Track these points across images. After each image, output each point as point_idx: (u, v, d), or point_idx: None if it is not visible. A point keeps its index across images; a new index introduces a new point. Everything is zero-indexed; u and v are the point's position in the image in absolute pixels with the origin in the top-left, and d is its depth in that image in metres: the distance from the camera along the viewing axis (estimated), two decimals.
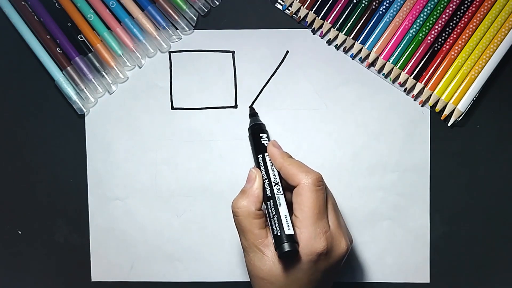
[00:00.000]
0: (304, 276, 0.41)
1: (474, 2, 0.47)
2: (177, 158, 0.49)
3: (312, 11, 0.48)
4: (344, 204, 0.49)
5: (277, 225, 0.41)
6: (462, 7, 0.47)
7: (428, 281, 0.50)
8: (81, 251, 0.50)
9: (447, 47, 0.48)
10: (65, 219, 0.50)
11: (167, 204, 0.50)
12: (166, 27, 0.48)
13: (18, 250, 0.51)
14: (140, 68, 0.49)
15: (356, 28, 0.48)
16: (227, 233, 0.50)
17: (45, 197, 0.50)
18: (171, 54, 0.49)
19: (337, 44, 0.49)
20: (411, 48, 0.48)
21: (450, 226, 0.49)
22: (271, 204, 0.42)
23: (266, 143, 0.45)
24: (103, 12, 0.48)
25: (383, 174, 0.49)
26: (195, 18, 0.49)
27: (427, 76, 0.48)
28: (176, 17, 0.48)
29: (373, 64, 0.49)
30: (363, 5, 0.48)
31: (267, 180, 0.43)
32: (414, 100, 0.49)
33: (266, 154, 0.44)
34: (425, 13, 0.47)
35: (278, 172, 0.43)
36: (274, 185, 0.43)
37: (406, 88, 0.48)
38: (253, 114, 0.48)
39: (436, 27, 0.47)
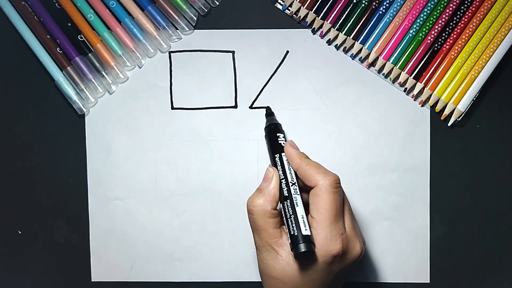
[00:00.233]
0: (317, 277, 0.41)
1: (474, 2, 0.47)
2: (177, 158, 0.49)
3: (312, 11, 0.48)
4: None
5: (294, 225, 0.41)
6: (462, 7, 0.47)
7: (428, 281, 0.50)
8: (81, 251, 0.50)
9: (447, 47, 0.48)
10: (65, 219, 0.50)
11: (167, 204, 0.50)
12: (166, 27, 0.48)
13: (18, 250, 0.51)
14: (140, 68, 0.49)
15: (356, 28, 0.48)
16: (227, 233, 0.50)
17: (45, 197, 0.50)
18: (171, 54, 0.49)
19: (337, 44, 0.49)
20: (411, 48, 0.48)
21: (450, 226, 0.49)
22: (288, 204, 0.42)
23: (283, 143, 0.45)
24: (103, 12, 0.48)
25: (383, 174, 0.49)
26: (195, 18, 0.49)
27: (427, 76, 0.48)
28: (176, 17, 0.48)
29: (373, 64, 0.49)
30: (363, 5, 0.48)
31: (284, 179, 0.43)
32: (414, 100, 0.49)
33: (283, 154, 0.44)
34: (425, 13, 0.47)
35: (295, 172, 0.43)
36: (291, 185, 0.43)
37: (406, 88, 0.48)
38: (269, 113, 0.48)
39: (436, 27, 0.47)
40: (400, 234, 0.50)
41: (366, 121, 0.49)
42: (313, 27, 0.48)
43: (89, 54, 0.48)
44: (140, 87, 0.49)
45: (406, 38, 0.48)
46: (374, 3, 0.48)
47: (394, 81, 0.49)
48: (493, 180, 0.49)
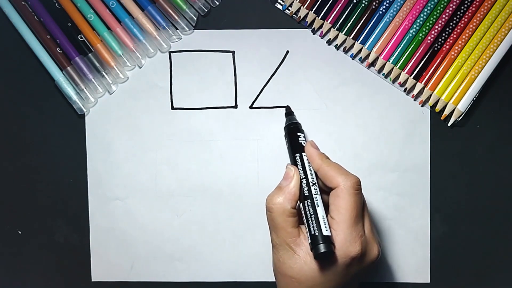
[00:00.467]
0: (334, 279, 0.41)
1: (474, 2, 0.47)
2: (177, 158, 0.49)
3: (312, 11, 0.48)
4: None
5: (314, 225, 0.40)
6: (462, 7, 0.47)
7: (428, 281, 0.50)
8: (81, 251, 0.50)
9: (447, 47, 0.48)
10: (65, 219, 0.50)
11: (167, 204, 0.50)
12: (166, 27, 0.48)
13: (18, 250, 0.51)
14: (140, 68, 0.49)
15: (356, 28, 0.48)
16: (227, 233, 0.50)
17: (45, 197, 0.50)
18: (171, 54, 0.49)
19: (337, 44, 0.49)
20: (411, 48, 0.48)
21: (450, 226, 0.49)
22: (308, 203, 0.42)
23: (304, 143, 0.45)
24: (103, 12, 0.48)
25: (383, 174, 0.49)
26: (195, 18, 0.49)
27: (427, 76, 0.48)
28: (176, 17, 0.48)
29: (373, 64, 0.49)
30: (363, 5, 0.48)
31: (305, 179, 0.43)
32: (414, 100, 0.49)
33: (303, 154, 0.44)
34: (425, 13, 0.47)
35: (315, 173, 0.43)
36: (312, 185, 0.43)
37: (406, 88, 0.48)
38: (289, 113, 0.48)
39: (436, 27, 0.47)
40: (400, 234, 0.49)
41: (366, 121, 0.49)
42: (313, 27, 0.48)
43: (89, 54, 0.48)
44: (140, 87, 0.49)
45: (406, 38, 0.48)
46: (374, 3, 0.48)
47: (394, 81, 0.49)
48: (493, 180, 0.49)
